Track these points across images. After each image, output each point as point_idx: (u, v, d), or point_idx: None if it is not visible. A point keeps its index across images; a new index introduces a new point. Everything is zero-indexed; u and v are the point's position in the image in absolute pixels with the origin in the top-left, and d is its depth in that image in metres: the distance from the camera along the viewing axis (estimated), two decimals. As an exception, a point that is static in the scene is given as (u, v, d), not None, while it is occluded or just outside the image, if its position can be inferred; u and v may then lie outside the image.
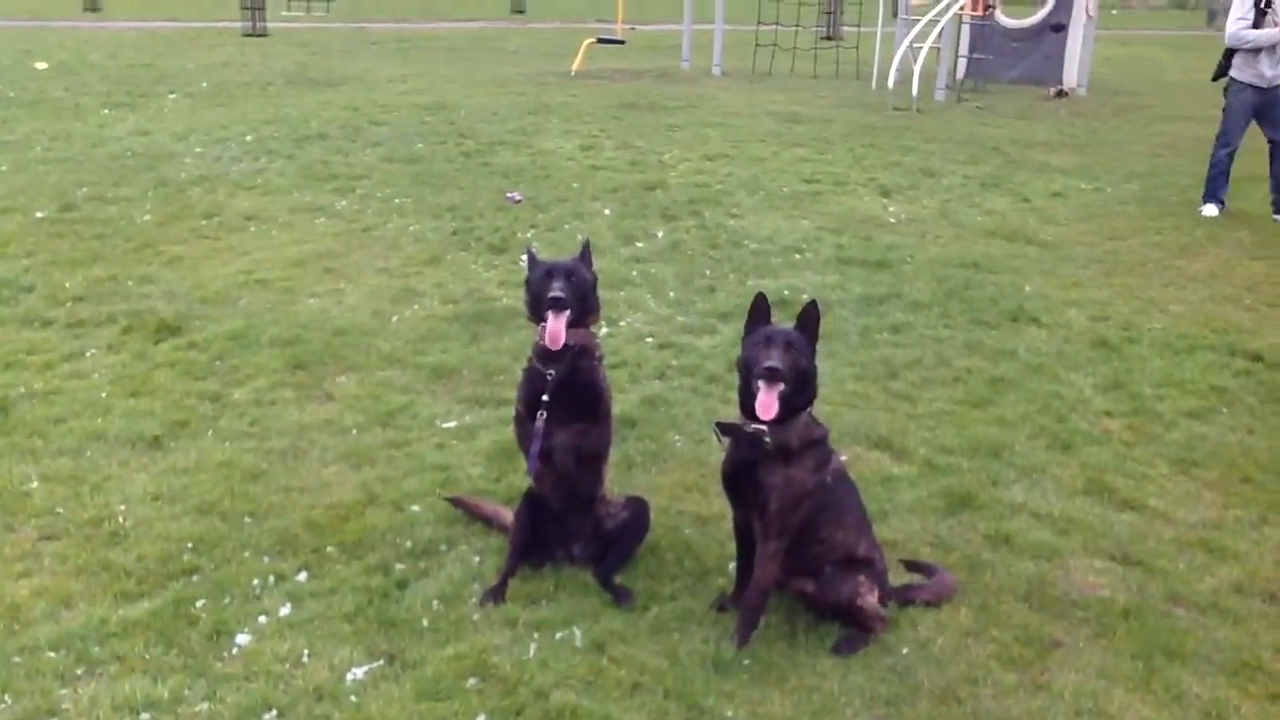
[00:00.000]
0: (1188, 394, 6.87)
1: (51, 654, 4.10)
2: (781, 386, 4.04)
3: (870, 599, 4.33)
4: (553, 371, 4.53)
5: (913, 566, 4.85)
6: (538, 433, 4.53)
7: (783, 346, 4.09)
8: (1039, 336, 7.91)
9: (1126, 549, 5.03)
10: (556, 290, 4.46)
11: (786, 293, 8.62)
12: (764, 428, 4.14)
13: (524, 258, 4.76)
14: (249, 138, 14.14)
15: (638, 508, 4.92)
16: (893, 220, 11.33)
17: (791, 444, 4.19)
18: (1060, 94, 21.96)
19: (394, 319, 7.94)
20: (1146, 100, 22.51)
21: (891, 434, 6.18)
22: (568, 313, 4.47)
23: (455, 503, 5.22)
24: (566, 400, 4.56)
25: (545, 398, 4.53)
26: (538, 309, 4.55)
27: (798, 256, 9.79)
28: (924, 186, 13.07)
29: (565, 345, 4.51)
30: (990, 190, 12.98)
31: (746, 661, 4.17)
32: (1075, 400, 6.74)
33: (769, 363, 4.02)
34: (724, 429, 4.34)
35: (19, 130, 14.40)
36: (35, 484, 5.38)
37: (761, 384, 4.04)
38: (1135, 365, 7.31)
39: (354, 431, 6.12)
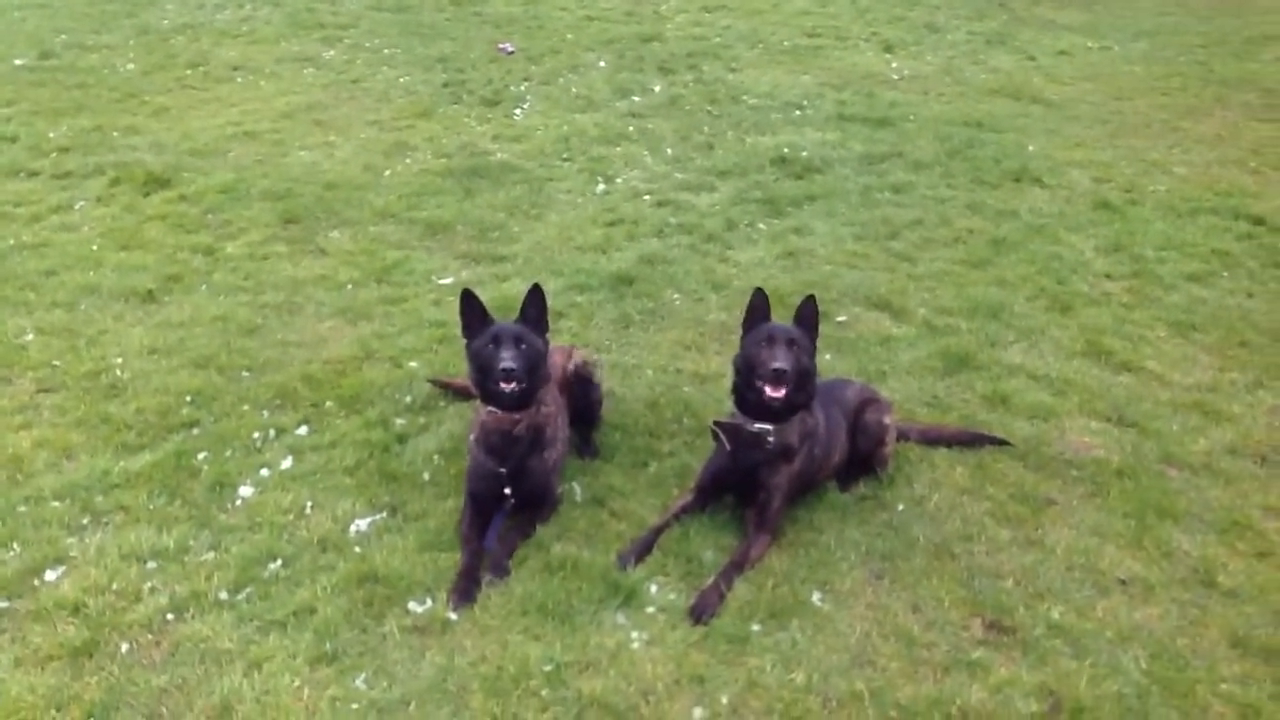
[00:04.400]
0: (1189, 257, 6.83)
1: (56, 504, 4.14)
2: (787, 388, 3.97)
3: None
4: (505, 469, 4.06)
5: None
6: (494, 526, 4.06)
7: (786, 345, 3.98)
8: (1041, 197, 7.82)
9: (1122, 410, 5.06)
10: (508, 360, 3.88)
11: (786, 150, 8.47)
12: (768, 428, 4.06)
13: (460, 302, 4.08)
14: (232, -17, 13.65)
15: (585, 384, 4.64)
16: (895, 77, 11.07)
17: (793, 442, 4.11)
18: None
19: (386, 173, 7.80)
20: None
21: (891, 294, 6.15)
22: (519, 385, 3.94)
23: (435, 383, 5.08)
24: (519, 494, 4.13)
25: (506, 492, 4.10)
26: (485, 383, 4.00)
27: (798, 113, 9.58)
28: (928, 42, 12.74)
29: (515, 436, 4.06)
30: (995, 47, 12.66)
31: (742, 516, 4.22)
32: (1076, 262, 6.70)
33: (776, 364, 3.92)
34: (724, 429, 4.18)
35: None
36: (30, 336, 5.35)
37: (768, 387, 3.97)
38: (1137, 228, 7.25)
39: (349, 287, 6.07)
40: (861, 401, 4.51)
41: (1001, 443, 4.72)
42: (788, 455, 4.11)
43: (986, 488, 4.45)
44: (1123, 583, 3.96)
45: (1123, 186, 8.08)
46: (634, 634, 3.64)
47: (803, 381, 4.06)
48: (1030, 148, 8.88)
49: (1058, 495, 4.44)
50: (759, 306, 4.16)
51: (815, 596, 3.84)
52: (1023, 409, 5.03)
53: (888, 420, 4.49)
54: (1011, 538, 4.17)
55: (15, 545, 3.91)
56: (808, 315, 4.12)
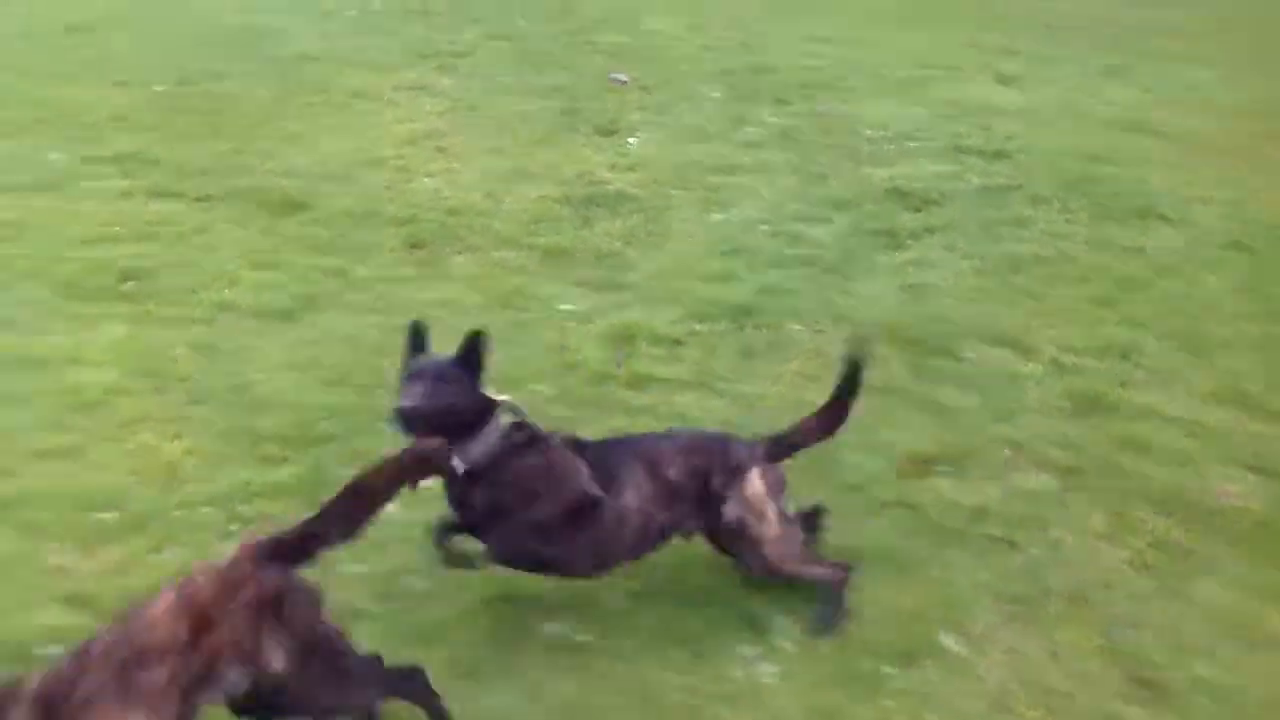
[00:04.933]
0: (1328, 299, 6.62)
1: (206, 509, 4.33)
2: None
3: None
4: None
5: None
6: None
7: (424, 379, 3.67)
8: (1168, 234, 7.64)
9: (1264, 459, 4.92)
10: None
11: (902, 182, 8.43)
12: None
13: None
14: (352, 13, 14.06)
15: None
16: (1011, 109, 10.93)
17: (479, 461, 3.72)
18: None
19: (506, 200, 7.95)
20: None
21: (1015, 330, 6.07)
22: None
23: None
24: None
25: None
26: None
27: (912, 144, 9.53)
28: (1043, 74, 12.55)
29: None
30: (1112, 79, 12.42)
31: (873, 550, 4.20)
32: (1208, 302, 6.53)
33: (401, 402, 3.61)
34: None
35: (128, 5, 14.48)
36: (179, 350, 5.58)
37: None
38: (1272, 268, 7.04)
39: (474, 311, 6.20)
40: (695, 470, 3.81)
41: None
42: (512, 499, 3.70)
43: (1124, 535, 4.36)
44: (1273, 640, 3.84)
45: (1255, 225, 7.86)
46: (764, 667, 3.66)
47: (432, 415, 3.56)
48: (1153, 182, 8.69)
49: (1199, 545, 4.33)
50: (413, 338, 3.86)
51: (948, 639, 3.81)
52: (1159, 454, 4.92)
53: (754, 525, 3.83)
54: (1152, 588, 4.08)
55: (173, 547, 4.10)
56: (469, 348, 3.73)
